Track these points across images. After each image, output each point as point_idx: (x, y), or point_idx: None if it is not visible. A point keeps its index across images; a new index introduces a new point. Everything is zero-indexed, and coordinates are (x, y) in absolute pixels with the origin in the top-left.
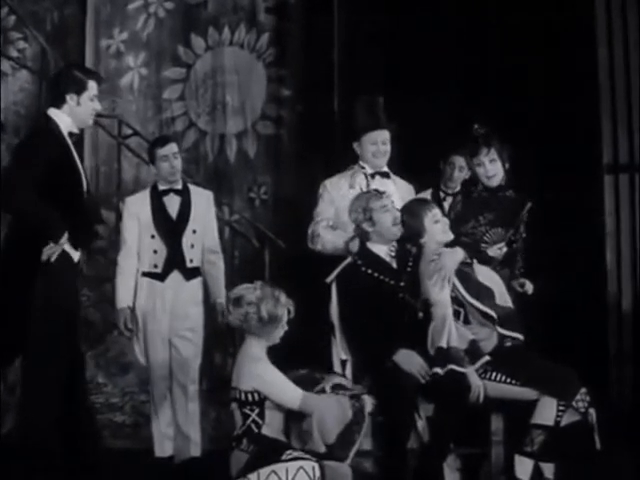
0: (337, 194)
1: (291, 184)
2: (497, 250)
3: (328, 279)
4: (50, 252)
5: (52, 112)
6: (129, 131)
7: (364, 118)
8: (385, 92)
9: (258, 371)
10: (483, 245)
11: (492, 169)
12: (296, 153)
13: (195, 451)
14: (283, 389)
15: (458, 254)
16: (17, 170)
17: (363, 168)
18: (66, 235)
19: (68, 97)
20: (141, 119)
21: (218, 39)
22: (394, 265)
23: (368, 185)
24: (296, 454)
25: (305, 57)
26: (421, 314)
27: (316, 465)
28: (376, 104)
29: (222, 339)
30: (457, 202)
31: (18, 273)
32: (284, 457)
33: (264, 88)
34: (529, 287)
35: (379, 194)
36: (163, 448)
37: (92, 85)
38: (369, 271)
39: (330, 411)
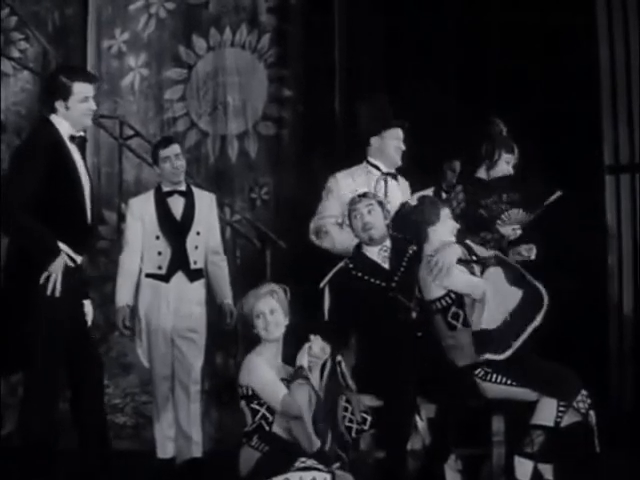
0: (346, 191)
1: (292, 184)
2: (511, 230)
3: (321, 284)
4: (51, 282)
5: (53, 117)
6: (130, 132)
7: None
8: (385, 92)
9: (252, 365)
10: (498, 222)
11: (502, 170)
12: (297, 153)
13: (197, 452)
14: (269, 387)
15: (456, 249)
16: (14, 185)
17: (374, 166)
18: (61, 259)
19: (57, 104)
20: (142, 120)
21: (219, 40)
22: (386, 266)
23: (376, 188)
24: (310, 463)
25: (306, 58)
26: (415, 314)
27: (328, 476)
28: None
29: (224, 340)
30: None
31: (21, 279)
32: (297, 464)
33: (265, 89)
34: (533, 252)
35: (355, 200)
36: (165, 449)
37: (80, 87)
38: (359, 274)
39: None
